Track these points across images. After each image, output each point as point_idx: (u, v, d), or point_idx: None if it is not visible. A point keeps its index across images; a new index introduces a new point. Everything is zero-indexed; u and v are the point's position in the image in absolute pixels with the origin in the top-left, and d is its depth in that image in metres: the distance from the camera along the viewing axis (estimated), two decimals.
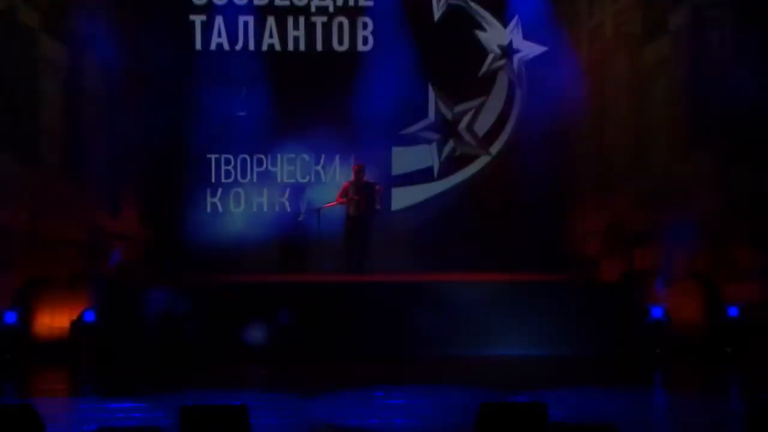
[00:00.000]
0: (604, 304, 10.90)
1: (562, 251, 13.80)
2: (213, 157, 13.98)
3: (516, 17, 13.74)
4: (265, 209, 14.01)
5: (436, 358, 10.84)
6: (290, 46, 13.81)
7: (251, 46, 13.78)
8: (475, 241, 13.58)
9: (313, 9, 13.86)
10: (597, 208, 13.58)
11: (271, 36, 13.83)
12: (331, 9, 13.87)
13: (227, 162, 14.01)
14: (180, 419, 5.33)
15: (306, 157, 13.97)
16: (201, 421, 5.32)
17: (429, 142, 14.16)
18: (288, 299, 11.09)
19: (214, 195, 14.05)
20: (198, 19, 13.82)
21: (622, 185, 13.16)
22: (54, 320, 10.96)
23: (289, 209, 13.95)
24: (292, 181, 14.07)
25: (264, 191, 14.04)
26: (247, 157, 13.98)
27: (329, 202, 12.87)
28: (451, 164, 14.21)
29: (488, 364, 10.57)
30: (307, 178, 13.99)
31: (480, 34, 13.90)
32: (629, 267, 12.05)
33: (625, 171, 13.14)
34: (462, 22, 13.93)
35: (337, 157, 13.91)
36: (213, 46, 13.80)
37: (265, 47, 13.80)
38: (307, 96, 13.67)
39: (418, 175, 14.22)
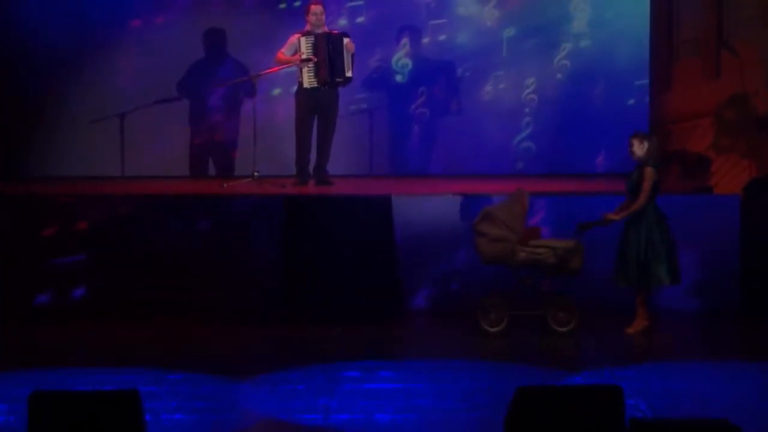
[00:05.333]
0: (719, 226, 10.96)
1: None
2: None
3: None
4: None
5: (445, 313, 10.95)
6: None
7: None
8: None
9: None
10: (707, 76, 13.57)
11: None
12: None
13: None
14: (29, 412, 5.33)
15: None
16: (63, 415, 5.32)
17: None
18: (204, 219, 11.20)
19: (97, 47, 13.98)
20: None
21: (748, 36, 13.12)
22: None
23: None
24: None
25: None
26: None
27: (270, 67, 12.74)
28: None
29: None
30: None
31: None
32: (759, 168, 12.07)
33: (754, 11, 13.09)
34: None
35: None
36: None
37: None
38: None
39: None
